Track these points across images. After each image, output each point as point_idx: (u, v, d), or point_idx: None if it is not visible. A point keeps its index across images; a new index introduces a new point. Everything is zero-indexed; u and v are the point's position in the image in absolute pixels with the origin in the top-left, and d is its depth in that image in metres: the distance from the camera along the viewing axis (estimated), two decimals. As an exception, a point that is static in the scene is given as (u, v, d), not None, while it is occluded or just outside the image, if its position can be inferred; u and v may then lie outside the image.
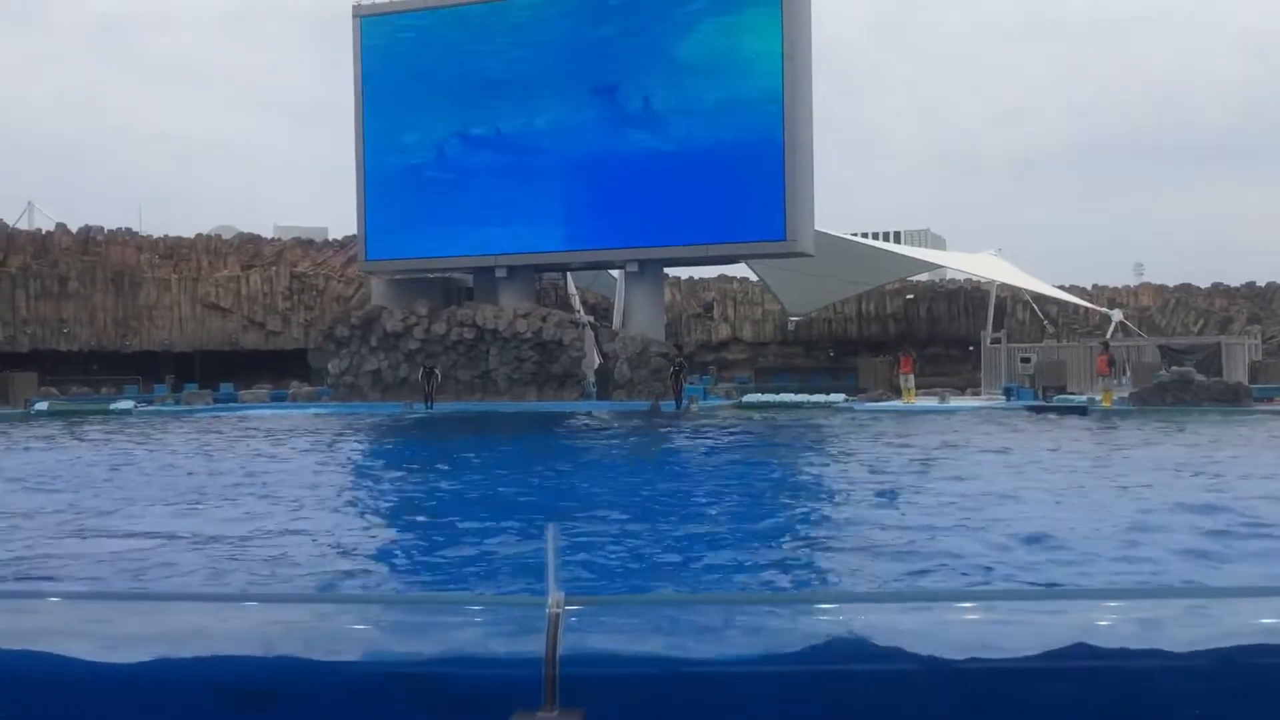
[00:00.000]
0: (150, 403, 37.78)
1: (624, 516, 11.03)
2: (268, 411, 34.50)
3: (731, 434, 23.47)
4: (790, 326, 47.78)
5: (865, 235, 56.54)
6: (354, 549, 9.43)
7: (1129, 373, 33.15)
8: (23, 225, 47.99)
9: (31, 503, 12.27)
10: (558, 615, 2.23)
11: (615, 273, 40.72)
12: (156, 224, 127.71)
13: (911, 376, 33.10)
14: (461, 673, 2.39)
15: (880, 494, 12.45)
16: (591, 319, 38.70)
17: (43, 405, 35.38)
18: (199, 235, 51.79)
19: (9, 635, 2.59)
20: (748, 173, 35.18)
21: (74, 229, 48.37)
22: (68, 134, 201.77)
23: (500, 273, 38.37)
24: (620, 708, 2.28)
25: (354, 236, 43.34)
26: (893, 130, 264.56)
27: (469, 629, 2.57)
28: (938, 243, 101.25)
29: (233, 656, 2.49)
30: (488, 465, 17.64)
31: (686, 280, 51.20)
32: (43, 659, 2.49)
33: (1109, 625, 2.44)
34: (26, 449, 21.12)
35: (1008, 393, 32.62)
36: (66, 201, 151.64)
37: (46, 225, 48.44)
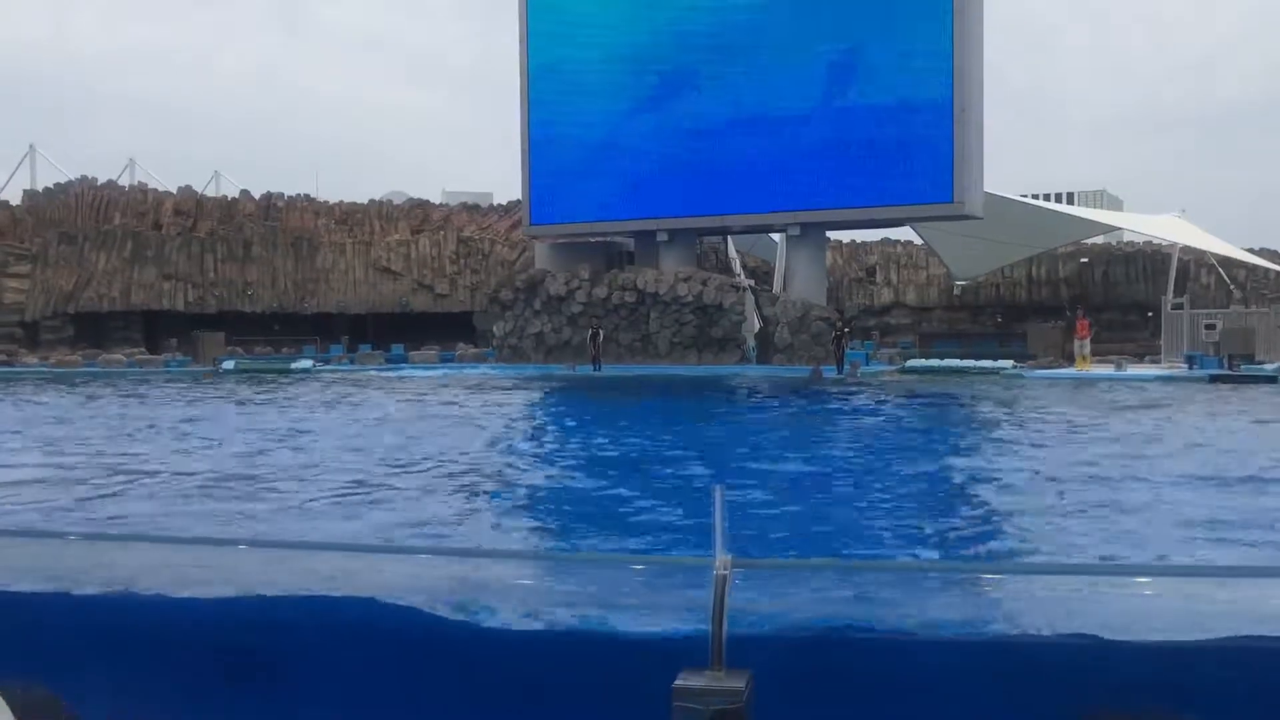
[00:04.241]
0: (327, 362, 39.45)
1: (790, 480, 10.99)
2: (438, 372, 35.50)
3: (895, 400, 23.08)
4: (956, 291, 46.57)
5: (1036, 197, 54.44)
6: (523, 504, 9.69)
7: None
8: (210, 192, 50.63)
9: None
10: (725, 577, 2.25)
11: (776, 236, 40.37)
12: (332, 190, 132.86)
13: (1088, 342, 31.75)
14: (629, 631, 2.44)
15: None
16: (752, 283, 38.47)
17: (229, 364, 37.34)
18: (371, 201, 53.62)
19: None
20: (914, 134, 34.27)
21: (256, 195, 50.70)
22: (249, 104, 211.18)
23: (661, 236, 38.50)
24: (787, 669, 2.30)
25: (518, 201, 44.11)
26: (1069, 89, 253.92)
27: (637, 588, 2.62)
28: (1114, 204, 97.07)
29: (398, 606, 2.59)
30: (657, 426, 17.80)
31: (848, 243, 50.34)
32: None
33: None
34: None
35: (1190, 360, 31.12)
36: (249, 169, 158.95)
37: (231, 192, 51.01)
